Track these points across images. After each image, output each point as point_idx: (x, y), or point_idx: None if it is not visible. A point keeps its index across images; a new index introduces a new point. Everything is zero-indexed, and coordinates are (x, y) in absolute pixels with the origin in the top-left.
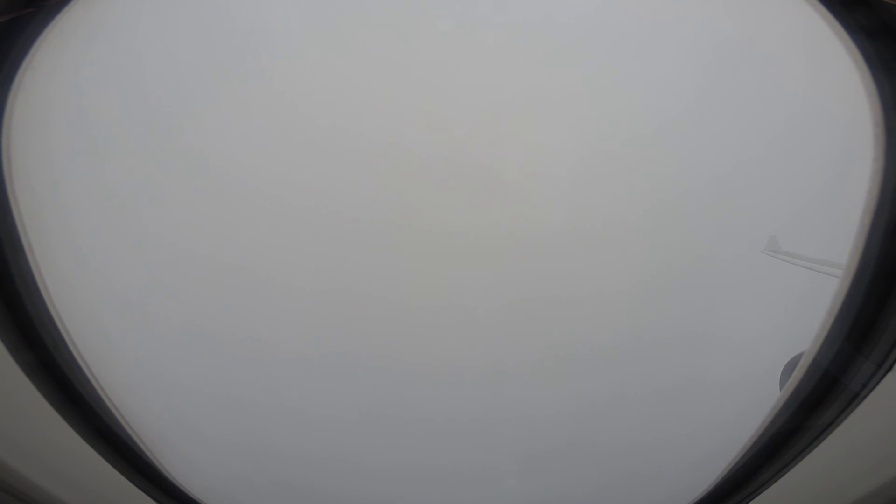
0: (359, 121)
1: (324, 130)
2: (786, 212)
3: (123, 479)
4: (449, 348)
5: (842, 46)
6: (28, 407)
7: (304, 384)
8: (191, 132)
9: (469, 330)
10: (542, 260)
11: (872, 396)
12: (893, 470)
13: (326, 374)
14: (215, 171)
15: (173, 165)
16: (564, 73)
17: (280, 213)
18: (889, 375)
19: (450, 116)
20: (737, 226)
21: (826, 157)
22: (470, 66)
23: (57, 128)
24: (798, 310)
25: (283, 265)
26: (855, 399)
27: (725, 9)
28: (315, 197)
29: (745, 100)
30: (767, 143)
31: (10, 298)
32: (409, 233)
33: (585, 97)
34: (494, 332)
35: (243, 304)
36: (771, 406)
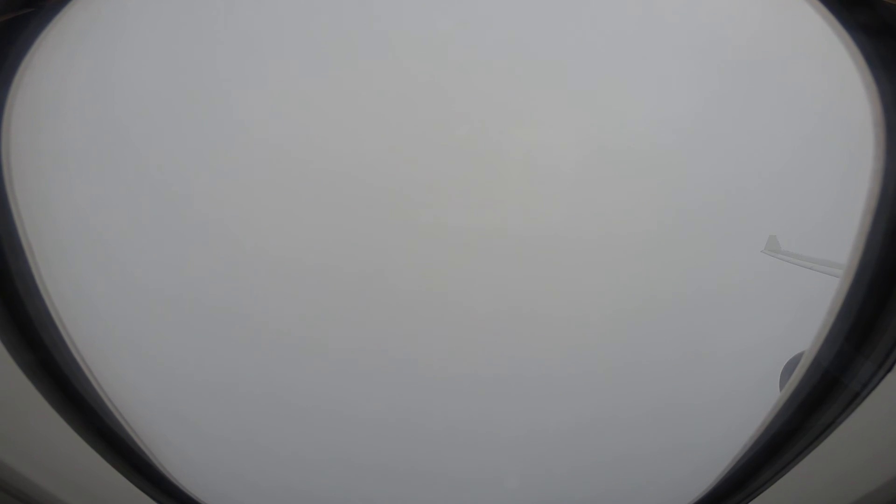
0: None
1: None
2: (786, 212)
3: (123, 479)
4: (453, 352)
5: (842, 46)
6: (28, 407)
7: (309, 383)
8: (191, 132)
9: (478, 335)
10: (545, 267)
11: (872, 396)
12: (893, 470)
13: (329, 373)
14: (216, 169)
15: (174, 164)
16: (566, 79)
17: (283, 207)
18: (889, 375)
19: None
20: (736, 225)
21: (826, 157)
22: (472, 70)
23: (57, 128)
24: (798, 310)
25: (287, 262)
26: (855, 399)
27: (725, 9)
28: (322, 185)
29: (744, 100)
30: (767, 144)
31: (10, 298)
32: (411, 231)
33: (588, 102)
34: (503, 339)
35: (246, 303)
36: (771, 406)
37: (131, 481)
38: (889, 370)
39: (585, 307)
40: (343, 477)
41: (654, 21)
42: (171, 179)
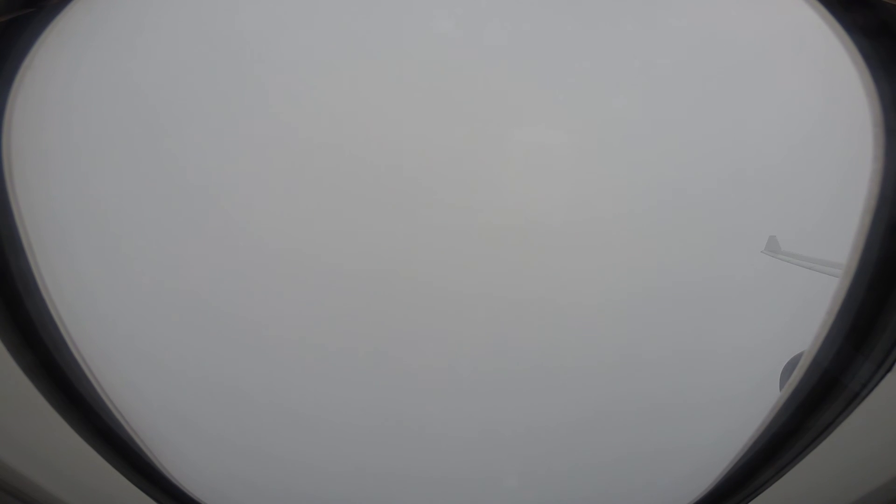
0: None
1: (323, 132)
2: (786, 212)
3: (123, 479)
4: (450, 353)
5: (841, 46)
6: (28, 407)
7: (309, 384)
8: (190, 133)
9: (477, 332)
10: (546, 265)
11: (872, 396)
12: (893, 470)
13: (329, 374)
14: (214, 171)
15: (174, 164)
16: (563, 75)
17: (282, 207)
18: (889, 375)
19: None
20: (736, 225)
21: (825, 158)
22: (470, 68)
23: (57, 128)
24: (798, 309)
25: (287, 261)
26: (855, 399)
27: (725, 9)
28: (322, 184)
29: (744, 100)
30: (766, 144)
31: (10, 298)
32: (410, 231)
33: (589, 102)
34: (502, 338)
35: (246, 302)
36: (771, 406)
37: (131, 481)
38: (889, 370)
39: (585, 306)
40: (343, 478)
41: (655, 22)
42: (171, 178)
